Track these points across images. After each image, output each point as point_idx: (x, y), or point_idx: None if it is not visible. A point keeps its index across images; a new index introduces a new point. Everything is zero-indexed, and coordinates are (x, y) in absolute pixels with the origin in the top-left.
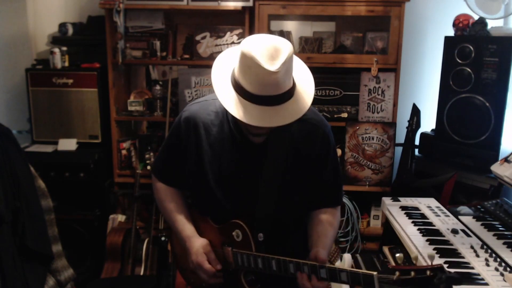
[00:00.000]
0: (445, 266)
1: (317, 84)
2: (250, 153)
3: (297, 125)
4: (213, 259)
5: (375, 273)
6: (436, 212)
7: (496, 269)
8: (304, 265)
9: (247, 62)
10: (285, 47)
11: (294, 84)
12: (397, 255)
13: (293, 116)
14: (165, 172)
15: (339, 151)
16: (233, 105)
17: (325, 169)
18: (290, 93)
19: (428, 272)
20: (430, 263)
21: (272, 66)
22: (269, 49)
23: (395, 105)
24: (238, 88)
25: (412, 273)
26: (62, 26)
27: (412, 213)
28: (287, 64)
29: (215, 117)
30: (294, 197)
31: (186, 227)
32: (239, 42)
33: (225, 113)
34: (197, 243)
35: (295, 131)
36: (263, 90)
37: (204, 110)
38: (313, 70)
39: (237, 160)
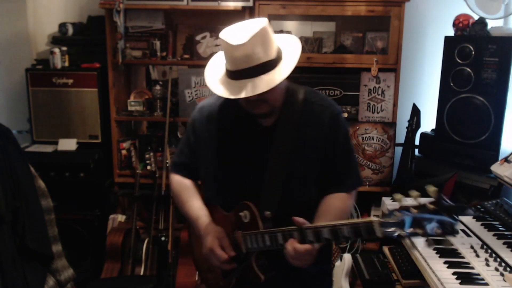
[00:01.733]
0: (445, 266)
1: (317, 84)
2: (259, 137)
3: (305, 108)
4: (227, 245)
5: (376, 219)
6: None
7: (496, 269)
8: (307, 229)
9: (222, 44)
10: (257, 24)
11: (278, 58)
12: (397, 196)
13: (265, 86)
14: (181, 164)
15: None
16: (216, 83)
17: (334, 152)
18: (268, 65)
19: (430, 206)
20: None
21: (238, 41)
22: (240, 27)
23: (395, 105)
24: (226, 70)
25: (414, 210)
26: (62, 26)
27: None
28: (258, 37)
29: (225, 107)
30: (301, 179)
31: (201, 214)
32: None
33: (235, 101)
34: (211, 228)
35: (304, 114)
36: (236, 64)
37: (214, 101)
38: (313, 70)
39: (246, 145)
